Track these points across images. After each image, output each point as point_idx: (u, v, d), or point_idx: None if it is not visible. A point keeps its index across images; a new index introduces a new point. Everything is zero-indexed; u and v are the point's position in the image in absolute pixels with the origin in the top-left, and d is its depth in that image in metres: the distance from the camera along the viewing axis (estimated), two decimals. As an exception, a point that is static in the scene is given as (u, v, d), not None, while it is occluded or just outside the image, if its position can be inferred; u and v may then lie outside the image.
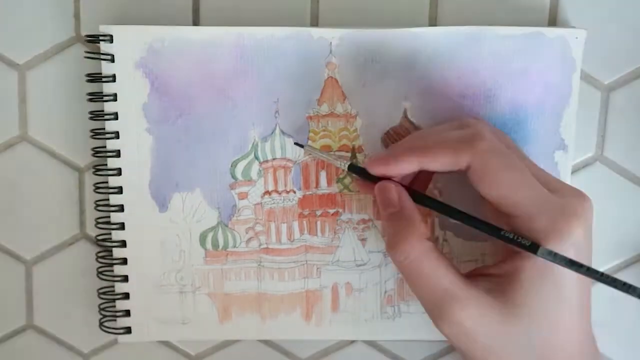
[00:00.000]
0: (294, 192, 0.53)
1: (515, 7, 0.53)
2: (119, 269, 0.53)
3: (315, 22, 0.53)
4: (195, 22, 0.53)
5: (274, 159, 0.52)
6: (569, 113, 0.52)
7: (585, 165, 0.54)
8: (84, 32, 0.53)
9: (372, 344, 0.56)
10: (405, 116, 0.52)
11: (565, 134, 0.52)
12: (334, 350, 0.56)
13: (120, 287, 0.53)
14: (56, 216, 0.55)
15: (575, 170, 0.53)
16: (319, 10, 0.53)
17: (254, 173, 0.53)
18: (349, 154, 0.52)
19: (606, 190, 0.54)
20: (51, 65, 0.54)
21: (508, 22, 0.52)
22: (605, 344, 0.47)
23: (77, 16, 0.53)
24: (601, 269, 0.54)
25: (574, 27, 0.52)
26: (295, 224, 0.53)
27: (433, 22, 0.53)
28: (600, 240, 0.54)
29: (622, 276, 0.54)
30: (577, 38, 0.51)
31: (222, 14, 0.53)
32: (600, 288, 0.53)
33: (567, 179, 0.52)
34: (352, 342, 0.56)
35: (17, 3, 0.53)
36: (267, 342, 0.56)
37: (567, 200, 0.43)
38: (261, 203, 0.53)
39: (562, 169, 0.52)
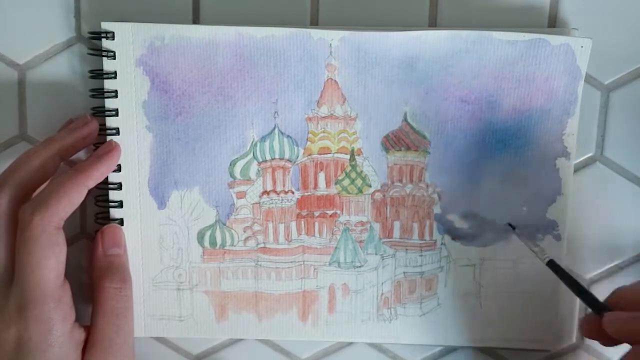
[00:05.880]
0: (292, 193, 0.53)
1: (515, 7, 0.52)
2: (117, 265, 0.53)
3: (315, 21, 0.53)
4: (195, 21, 0.53)
5: (272, 159, 0.52)
6: (572, 122, 0.52)
7: (585, 165, 0.54)
8: (84, 31, 0.53)
9: (372, 344, 0.56)
10: (405, 120, 0.52)
11: (568, 141, 0.52)
12: (334, 350, 0.56)
13: (118, 283, 0.54)
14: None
15: (575, 170, 0.53)
16: (319, 10, 0.52)
17: (252, 173, 0.53)
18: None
19: (606, 190, 0.54)
20: (51, 66, 0.54)
21: (508, 22, 0.52)
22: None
23: (77, 16, 0.53)
24: (601, 269, 0.55)
25: (574, 27, 0.52)
26: (293, 224, 0.53)
27: (433, 22, 0.53)
28: (600, 241, 0.54)
29: (622, 276, 0.55)
30: (582, 47, 0.50)
31: (222, 13, 0.53)
32: (600, 290, 0.54)
33: (568, 182, 0.52)
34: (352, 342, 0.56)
35: (17, 3, 0.53)
36: (266, 342, 0.56)
37: None
38: (259, 203, 0.53)
39: (564, 176, 0.52)
